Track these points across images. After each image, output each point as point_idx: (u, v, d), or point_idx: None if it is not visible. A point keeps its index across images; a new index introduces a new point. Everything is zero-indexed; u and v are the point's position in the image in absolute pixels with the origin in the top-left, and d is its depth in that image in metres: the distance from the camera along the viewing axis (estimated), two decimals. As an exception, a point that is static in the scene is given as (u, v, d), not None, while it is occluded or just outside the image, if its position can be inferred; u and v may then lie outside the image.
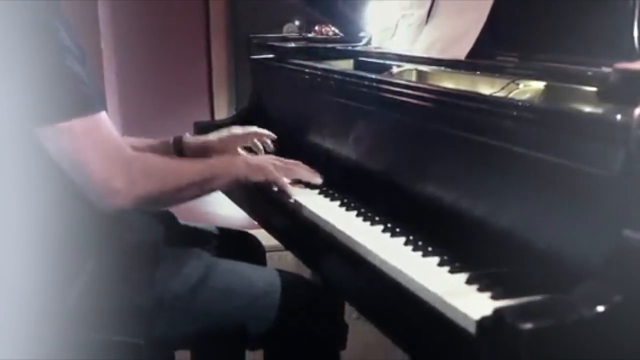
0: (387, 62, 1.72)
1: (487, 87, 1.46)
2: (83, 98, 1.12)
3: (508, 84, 1.38)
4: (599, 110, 0.95)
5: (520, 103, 1.09)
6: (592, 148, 0.88)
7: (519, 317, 0.77)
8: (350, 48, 1.85)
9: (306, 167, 1.46)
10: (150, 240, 1.28)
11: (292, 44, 1.99)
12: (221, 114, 2.59)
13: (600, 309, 0.75)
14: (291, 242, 1.50)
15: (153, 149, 1.52)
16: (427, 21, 1.64)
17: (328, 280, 1.37)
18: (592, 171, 0.88)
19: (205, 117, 2.60)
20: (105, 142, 1.14)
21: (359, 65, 1.88)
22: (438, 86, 1.39)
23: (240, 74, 2.54)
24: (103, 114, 1.16)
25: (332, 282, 1.32)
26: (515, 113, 1.03)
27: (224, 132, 1.65)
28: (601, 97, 0.94)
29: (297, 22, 2.43)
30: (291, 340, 1.34)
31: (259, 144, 1.68)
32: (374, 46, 1.83)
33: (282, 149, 1.75)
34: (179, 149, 1.58)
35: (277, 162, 1.42)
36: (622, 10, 1.13)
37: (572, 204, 0.92)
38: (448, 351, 0.93)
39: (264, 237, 1.70)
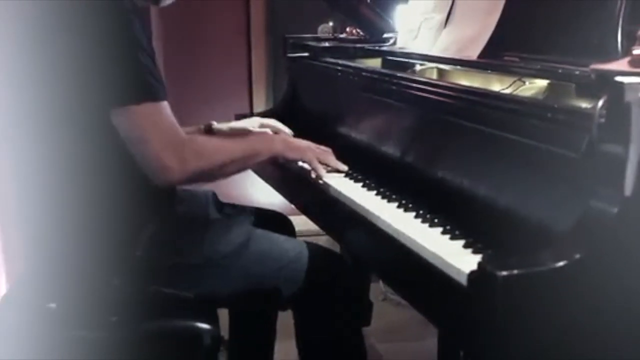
0: (411, 60, 1.91)
1: (498, 83, 1.64)
2: (151, 87, 1.33)
3: (515, 81, 1.56)
4: (578, 103, 1.13)
5: (509, 97, 1.27)
6: (565, 133, 1.06)
7: (496, 267, 0.96)
8: (377, 48, 2.04)
9: (334, 156, 1.65)
10: (199, 210, 1.49)
11: (325, 44, 2.19)
12: (259, 106, 2.80)
13: (561, 263, 0.94)
14: (318, 217, 1.70)
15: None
16: (445, 24, 1.83)
17: (350, 248, 1.57)
18: (565, 153, 1.07)
19: (245, 109, 2.81)
20: (164, 126, 1.34)
21: (386, 64, 2.07)
22: (447, 83, 1.57)
23: (277, 71, 2.74)
24: (165, 102, 1.36)
25: (354, 250, 1.52)
26: (505, 105, 1.21)
27: (248, 121, 1.84)
28: (578, 93, 1.12)
29: (331, 23, 2.62)
30: (318, 303, 1.53)
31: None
32: (399, 46, 2.01)
33: (313, 137, 1.95)
34: (209, 134, 1.77)
35: (312, 145, 1.62)
36: (609, 18, 1.30)
37: (549, 181, 1.11)
38: (448, 301, 1.12)
39: (297, 224, 1.91)
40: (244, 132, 1.79)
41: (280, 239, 1.53)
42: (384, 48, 2.00)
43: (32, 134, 1.40)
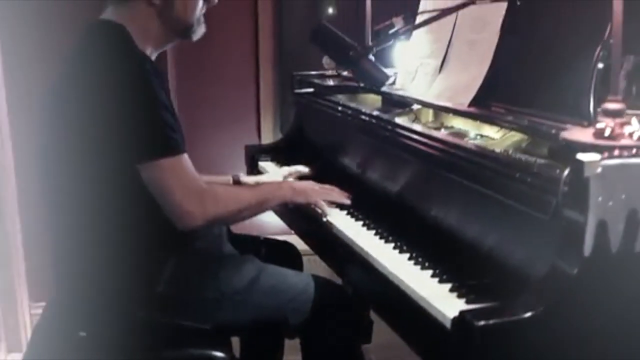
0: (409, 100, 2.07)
1: (488, 127, 1.80)
2: (172, 142, 1.49)
3: (501, 128, 1.72)
4: (545, 165, 1.28)
5: (488, 153, 1.42)
6: (536, 196, 1.22)
7: (474, 317, 1.11)
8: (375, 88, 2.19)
9: (338, 190, 1.81)
10: (215, 247, 1.65)
11: (330, 81, 2.34)
12: (267, 135, 2.97)
13: (528, 314, 1.09)
14: (322, 252, 1.87)
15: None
16: (440, 70, 1.98)
17: (349, 281, 1.73)
18: (536, 214, 1.22)
19: (253, 137, 2.98)
20: (184, 177, 1.51)
21: (386, 100, 2.22)
22: (432, 133, 1.70)
23: (284, 100, 2.89)
24: (185, 155, 1.52)
25: (353, 283, 1.68)
26: (483, 162, 1.37)
27: (272, 174, 2.02)
28: (550, 156, 1.28)
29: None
30: (322, 330, 1.69)
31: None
32: (398, 86, 2.16)
33: (318, 170, 2.11)
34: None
35: (316, 187, 1.78)
36: (583, 83, 1.46)
37: (524, 236, 1.27)
38: (433, 340, 1.28)
39: (302, 243, 2.07)
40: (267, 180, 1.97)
41: (288, 274, 1.69)
42: (384, 88, 2.15)
43: (66, 178, 1.56)
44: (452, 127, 1.96)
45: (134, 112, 1.46)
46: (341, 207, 1.83)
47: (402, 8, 2.09)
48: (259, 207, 1.68)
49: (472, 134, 1.86)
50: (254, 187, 1.77)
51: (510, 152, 1.58)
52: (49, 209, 1.64)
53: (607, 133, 1.20)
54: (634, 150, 1.15)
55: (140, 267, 1.55)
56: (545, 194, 1.20)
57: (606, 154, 1.13)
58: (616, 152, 1.14)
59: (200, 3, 1.66)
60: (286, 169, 2.05)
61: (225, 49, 2.96)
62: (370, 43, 1.73)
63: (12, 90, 2.63)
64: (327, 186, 1.83)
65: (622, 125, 1.21)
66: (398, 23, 1.73)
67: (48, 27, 2.59)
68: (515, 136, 1.69)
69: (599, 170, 1.09)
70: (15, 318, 2.69)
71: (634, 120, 1.22)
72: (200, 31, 1.71)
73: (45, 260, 1.70)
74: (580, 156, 1.10)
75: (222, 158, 2.85)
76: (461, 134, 1.88)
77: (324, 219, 1.75)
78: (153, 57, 1.68)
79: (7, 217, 2.65)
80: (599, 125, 1.21)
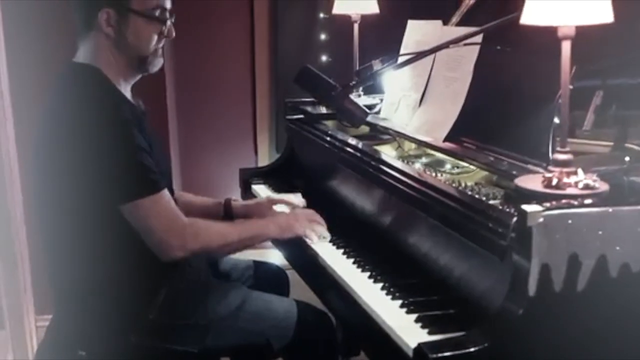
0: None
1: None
2: (148, 183, 1.61)
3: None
4: (500, 210, 1.40)
5: (452, 194, 1.54)
6: (490, 239, 1.34)
7: (430, 349, 1.24)
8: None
9: (320, 220, 1.91)
10: (204, 275, 1.78)
11: (321, 108, 2.45)
12: (263, 154, 3.10)
13: (477, 348, 1.21)
14: (303, 274, 1.99)
15: (206, 207, 2.03)
16: (420, 103, 2.10)
17: (327, 305, 1.84)
18: (490, 255, 1.34)
19: (251, 158, 3.11)
20: (163, 213, 1.62)
21: (373, 128, 2.35)
22: (404, 169, 1.81)
23: (281, 122, 3.01)
24: (163, 192, 1.63)
25: (330, 307, 1.80)
26: (446, 201, 1.51)
27: (262, 199, 2.11)
28: (505, 200, 1.40)
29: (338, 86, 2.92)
30: (305, 353, 1.81)
31: (286, 209, 2.06)
32: (382, 115, 2.29)
33: (306, 192, 2.23)
34: (227, 210, 2.05)
35: (301, 218, 1.86)
36: (543, 126, 1.58)
37: (481, 273, 1.39)
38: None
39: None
40: (257, 205, 2.05)
41: (272, 300, 1.81)
42: (370, 119, 2.27)
43: (59, 210, 1.68)
44: (432, 156, 2.08)
45: (112, 157, 1.58)
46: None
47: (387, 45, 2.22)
48: (243, 244, 1.77)
49: (449, 165, 1.98)
50: (239, 224, 1.85)
51: (481, 185, 1.73)
52: (46, 235, 1.76)
53: (554, 182, 1.32)
54: (576, 201, 1.27)
55: (133, 295, 1.67)
56: (499, 237, 1.32)
57: (549, 204, 1.24)
58: (559, 202, 1.25)
59: (155, 36, 1.73)
60: (276, 197, 2.11)
61: (222, 69, 3.09)
62: (352, 83, 1.84)
63: (17, 94, 2.73)
64: (309, 213, 1.91)
65: (569, 174, 1.33)
66: (377, 65, 1.84)
67: (53, 31, 2.68)
68: (483, 172, 1.82)
69: (541, 220, 1.21)
70: (22, 330, 2.82)
71: (579, 171, 1.33)
72: (157, 63, 1.78)
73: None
74: (525, 207, 1.22)
75: (219, 178, 2.98)
76: (440, 163, 2.00)
77: (311, 247, 1.84)
78: (128, 90, 1.77)
79: (13, 230, 2.77)
80: (547, 175, 1.33)
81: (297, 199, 2.10)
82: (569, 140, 1.98)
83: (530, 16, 1.32)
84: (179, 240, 1.63)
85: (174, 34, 1.79)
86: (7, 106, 2.71)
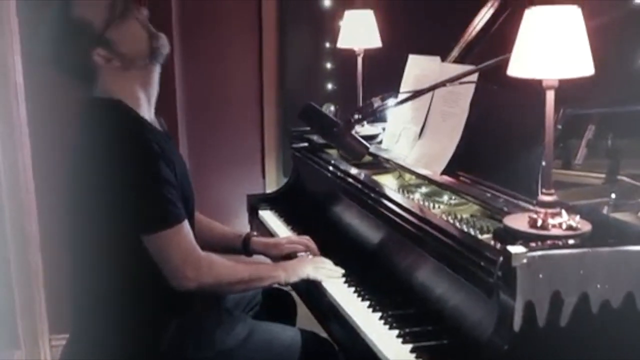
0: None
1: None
2: (170, 216, 1.70)
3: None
4: (490, 247, 1.48)
5: (445, 229, 1.63)
6: (480, 276, 1.43)
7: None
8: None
9: (330, 264, 1.95)
10: (212, 307, 1.86)
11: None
12: (271, 180, 3.21)
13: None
14: (309, 304, 2.07)
15: (224, 237, 2.12)
16: (420, 135, 2.20)
17: (329, 332, 1.92)
18: (479, 291, 1.43)
19: (259, 182, 3.22)
20: (182, 245, 1.71)
21: (375, 157, 2.44)
22: (404, 203, 1.90)
23: (287, 151, 3.10)
24: (184, 224, 1.72)
25: (331, 334, 1.89)
26: (438, 235, 1.60)
27: (281, 239, 2.18)
28: (494, 238, 1.49)
29: (332, 108, 3.02)
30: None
31: (303, 254, 2.09)
32: (384, 146, 2.38)
33: (310, 221, 2.33)
34: (246, 245, 2.12)
35: (308, 263, 1.92)
36: (534, 165, 1.66)
37: (474, 308, 1.48)
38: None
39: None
40: (276, 245, 2.12)
41: (277, 329, 1.89)
42: (373, 149, 2.36)
43: (86, 241, 1.78)
44: (432, 186, 2.17)
45: (138, 190, 1.68)
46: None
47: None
48: (252, 284, 1.85)
49: (446, 197, 2.07)
50: (250, 264, 1.93)
51: (476, 217, 1.82)
52: (72, 258, 1.85)
53: (539, 223, 1.40)
54: (559, 242, 1.35)
55: (145, 326, 1.75)
56: (486, 275, 1.41)
57: (534, 244, 1.33)
58: (542, 243, 1.34)
59: (142, 33, 1.79)
60: (295, 239, 2.15)
61: (231, 97, 3.20)
62: (352, 119, 1.93)
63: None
64: (317, 260, 1.97)
65: (553, 215, 1.41)
66: (376, 102, 1.93)
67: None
68: (474, 206, 1.91)
69: (525, 260, 1.30)
70: (37, 350, 2.92)
71: (563, 212, 1.42)
72: (163, 44, 1.81)
73: (65, 293, 1.91)
74: (510, 248, 1.31)
75: (228, 202, 3.07)
76: (438, 194, 2.09)
77: (323, 283, 1.89)
78: (152, 112, 1.85)
79: (28, 252, 2.87)
80: (532, 215, 1.42)
81: (311, 243, 2.13)
82: (564, 172, 2.10)
83: (515, 69, 1.41)
84: (193, 272, 1.71)
85: (166, 44, 1.83)
86: (24, 134, 2.83)
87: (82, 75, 1.81)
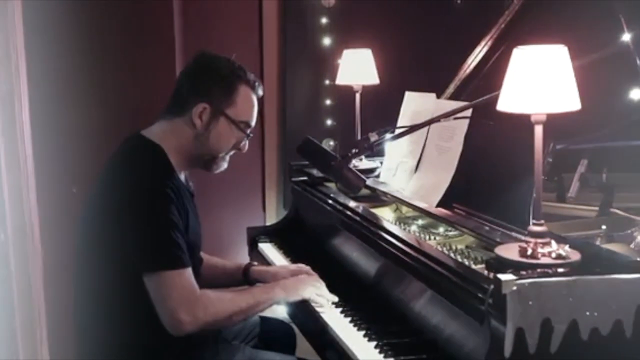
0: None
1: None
2: (176, 258, 1.73)
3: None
4: (482, 276, 1.53)
5: (435, 256, 1.69)
6: (472, 304, 1.47)
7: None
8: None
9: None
10: (211, 336, 1.90)
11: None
12: (271, 212, 3.26)
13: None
14: (307, 334, 2.10)
15: (225, 271, 2.17)
16: (416, 169, 2.25)
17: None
18: (471, 319, 1.47)
19: (259, 214, 3.27)
20: (181, 290, 1.72)
21: (373, 190, 2.49)
22: (400, 234, 1.96)
23: (287, 184, 3.16)
24: (187, 270, 1.74)
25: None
26: (433, 265, 1.65)
27: (280, 268, 2.22)
28: (486, 268, 1.53)
29: (331, 142, 3.10)
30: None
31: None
32: (381, 179, 2.44)
33: (308, 253, 2.37)
34: (246, 275, 2.16)
35: (308, 284, 1.94)
36: (525, 198, 1.71)
37: (468, 335, 1.52)
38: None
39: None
40: (275, 274, 2.13)
41: (275, 358, 1.93)
42: (370, 182, 2.42)
43: (92, 271, 1.84)
44: (428, 219, 2.22)
45: (146, 227, 1.74)
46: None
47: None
48: (251, 311, 1.86)
49: (442, 228, 2.13)
50: (245, 291, 1.94)
51: (471, 248, 1.87)
52: (78, 286, 1.90)
53: (529, 252, 1.45)
54: (549, 270, 1.40)
55: (142, 357, 1.79)
56: (478, 302, 1.45)
57: (524, 272, 1.38)
58: (532, 272, 1.39)
59: (233, 144, 1.94)
60: (294, 268, 2.15)
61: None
62: (350, 153, 1.99)
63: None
64: (314, 278, 2.00)
65: (543, 245, 1.46)
66: (373, 137, 1.99)
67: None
68: (470, 238, 1.95)
69: (515, 288, 1.34)
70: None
71: (552, 242, 1.47)
72: (222, 166, 1.99)
73: (66, 325, 1.95)
74: (500, 276, 1.36)
75: (229, 235, 3.11)
76: (434, 226, 2.15)
77: (319, 312, 1.91)
78: (182, 173, 1.93)
79: (31, 281, 2.89)
80: (522, 245, 1.47)
81: (310, 271, 2.12)
82: (558, 205, 2.16)
83: (505, 104, 1.47)
84: (190, 315, 1.72)
85: (246, 149, 2.00)
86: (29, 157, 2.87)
87: (174, 103, 1.90)
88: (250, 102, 1.93)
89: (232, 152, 1.98)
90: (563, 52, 1.44)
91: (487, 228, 1.82)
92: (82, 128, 2.93)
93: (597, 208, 2.07)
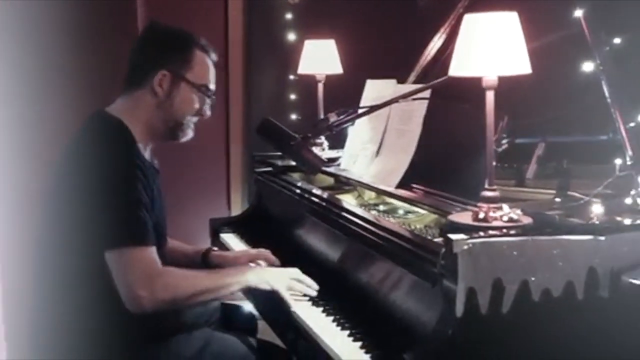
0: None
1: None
2: (139, 235, 1.70)
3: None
4: (437, 242, 1.53)
5: (393, 230, 1.69)
6: (424, 267, 1.47)
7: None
8: (328, 170, 2.44)
9: (304, 280, 1.88)
10: (172, 315, 1.86)
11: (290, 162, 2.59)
12: (236, 206, 3.24)
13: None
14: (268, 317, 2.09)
15: (185, 255, 2.14)
16: (377, 154, 2.26)
17: (286, 342, 1.93)
18: (424, 283, 1.47)
19: (223, 206, 3.25)
20: (143, 268, 1.68)
21: (335, 179, 2.50)
22: (356, 213, 1.95)
23: (252, 177, 3.14)
24: (151, 248, 1.71)
25: (290, 346, 1.90)
26: (391, 238, 1.65)
27: (240, 252, 2.20)
28: (440, 235, 1.53)
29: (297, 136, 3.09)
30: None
31: (263, 263, 2.07)
32: (343, 166, 2.44)
33: (274, 243, 2.35)
34: (205, 259, 2.14)
35: (284, 275, 1.87)
36: (481, 170, 1.72)
37: (420, 301, 1.52)
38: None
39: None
40: (235, 258, 2.13)
41: (233, 340, 1.90)
42: (332, 169, 2.42)
43: (53, 251, 1.80)
44: (389, 204, 2.22)
45: (111, 204, 1.71)
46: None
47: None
48: (217, 292, 1.81)
49: (402, 211, 2.13)
50: (213, 272, 1.91)
51: (429, 227, 1.88)
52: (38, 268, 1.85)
53: (481, 216, 1.46)
54: (499, 231, 1.41)
55: (100, 340, 1.74)
56: (431, 265, 1.45)
57: (475, 234, 1.38)
58: (483, 233, 1.39)
59: (196, 107, 1.92)
60: (253, 252, 2.15)
61: (198, 127, 3.25)
62: (309, 134, 1.98)
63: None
64: (292, 273, 1.90)
65: (495, 209, 1.47)
66: (332, 117, 1.99)
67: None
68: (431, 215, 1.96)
69: (466, 247, 1.35)
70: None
71: (504, 205, 1.48)
72: (188, 134, 1.97)
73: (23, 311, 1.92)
74: (451, 236, 1.36)
75: (191, 228, 3.06)
76: (394, 210, 2.15)
77: (290, 310, 1.82)
78: (147, 150, 1.92)
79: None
80: (475, 210, 1.48)
81: (270, 255, 2.12)
82: (519, 189, 2.17)
83: (457, 69, 1.48)
84: (147, 291, 1.67)
85: (208, 114, 1.98)
86: None
87: (132, 76, 1.90)
88: (206, 66, 1.94)
89: (195, 119, 1.96)
90: (513, 18, 1.46)
91: (445, 204, 1.83)
92: (41, 121, 2.89)
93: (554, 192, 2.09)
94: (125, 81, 1.92)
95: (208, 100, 1.96)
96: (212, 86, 1.96)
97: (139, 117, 1.87)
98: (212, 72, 1.96)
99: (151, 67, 1.87)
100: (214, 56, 1.96)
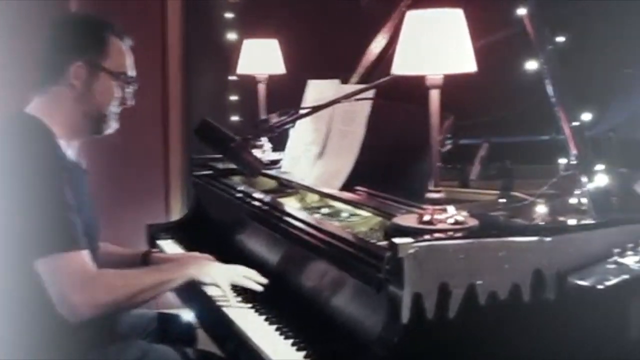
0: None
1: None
2: (70, 239, 1.59)
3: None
4: (381, 246, 1.48)
5: (339, 236, 1.63)
6: (368, 272, 1.42)
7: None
8: (269, 172, 2.38)
9: (248, 273, 1.83)
10: (105, 327, 1.75)
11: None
12: (175, 208, 3.15)
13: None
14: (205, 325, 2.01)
15: (122, 258, 2.02)
16: (320, 156, 2.21)
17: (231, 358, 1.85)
18: (369, 288, 1.42)
19: (161, 213, 3.14)
20: (76, 274, 1.58)
21: (278, 182, 2.43)
22: (306, 219, 1.88)
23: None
24: (83, 253, 1.60)
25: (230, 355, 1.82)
26: (334, 242, 1.59)
27: (182, 254, 2.11)
28: (385, 238, 1.49)
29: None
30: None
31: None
32: (285, 169, 2.38)
33: (213, 248, 2.27)
34: (145, 262, 2.02)
35: (229, 271, 1.81)
36: (425, 174, 1.68)
37: (365, 307, 1.46)
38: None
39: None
40: (177, 259, 2.03)
41: (169, 352, 1.80)
42: (273, 172, 2.36)
43: None
44: (332, 207, 2.17)
45: (37, 210, 1.60)
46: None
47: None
48: (159, 288, 1.72)
49: (345, 214, 2.08)
50: (153, 269, 1.83)
51: (374, 230, 1.83)
52: None
53: (426, 218, 1.42)
54: (445, 234, 1.37)
55: (35, 347, 1.64)
56: (375, 270, 1.40)
57: (420, 237, 1.34)
58: (429, 236, 1.35)
59: (118, 97, 1.82)
60: (197, 255, 2.05)
61: (135, 128, 3.12)
62: (249, 136, 1.91)
63: None
64: (237, 268, 1.85)
65: (441, 211, 1.43)
66: (274, 118, 1.93)
67: None
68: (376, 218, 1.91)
69: (411, 251, 1.30)
70: None
71: (450, 207, 1.44)
72: (112, 125, 1.85)
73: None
74: (396, 240, 1.31)
75: (128, 235, 2.95)
76: (338, 213, 2.10)
77: (221, 304, 1.78)
78: (70, 148, 1.79)
79: None
80: (420, 212, 1.43)
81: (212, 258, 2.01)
82: (463, 190, 2.15)
83: (400, 67, 1.44)
84: (84, 297, 1.58)
85: (131, 102, 1.87)
86: None
87: (44, 72, 1.78)
88: (123, 52, 1.83)
89: (118, 109, 1.85)
90: (458, 15, 1.43)
91: (389, 206, 1.78)
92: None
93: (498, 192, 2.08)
94: (40, 77, 1.80)
95: (129, 88, 1.85)
96: (131, 73, 1.86)
97: (59, 114, 1.75)
98: (128, 59, 1.85)
99: (65, 59, 1.75)
100: (128, 41, 1.86)
